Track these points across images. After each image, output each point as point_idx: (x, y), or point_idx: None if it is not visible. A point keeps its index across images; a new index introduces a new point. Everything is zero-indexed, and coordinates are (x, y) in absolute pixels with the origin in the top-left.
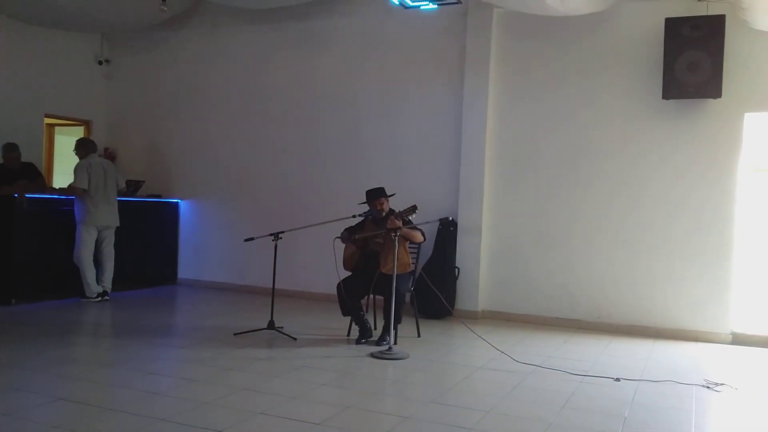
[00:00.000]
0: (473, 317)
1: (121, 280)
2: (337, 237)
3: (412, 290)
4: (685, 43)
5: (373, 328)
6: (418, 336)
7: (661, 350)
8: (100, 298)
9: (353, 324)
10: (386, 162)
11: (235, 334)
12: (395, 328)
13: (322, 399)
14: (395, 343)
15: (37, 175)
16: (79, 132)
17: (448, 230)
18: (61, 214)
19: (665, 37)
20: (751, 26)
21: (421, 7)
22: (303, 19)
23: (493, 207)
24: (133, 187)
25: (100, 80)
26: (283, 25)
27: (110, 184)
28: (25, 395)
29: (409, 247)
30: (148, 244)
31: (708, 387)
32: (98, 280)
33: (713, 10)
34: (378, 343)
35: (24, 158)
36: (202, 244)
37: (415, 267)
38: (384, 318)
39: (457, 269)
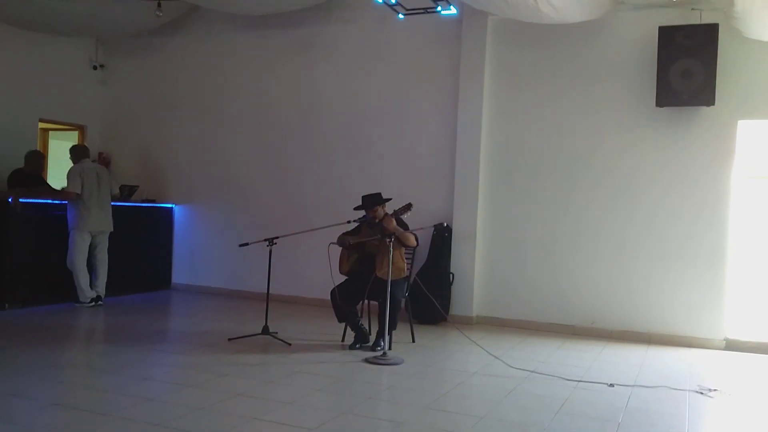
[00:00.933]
0: (468, 323)
1: (115, 285)
2: (332, 242)
3: (407, 296)
4: (678, 51)
5: (368, 333)
6: (413, 341)
7: (655, 356)
8: (93, 303)
9: (348, 329)
10: (381, 167)
11: (229, 340)
12: (390, 334)
13: (316, 404)
14: (390, 348)
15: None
16: (73, 137)
17: (442, 236)
18: (55, 219)
19: (659, 45)
20: (744, 35)
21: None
22: (298, 25)
23: (487, 213)
24: (127, 191)
25: (95, 85)
26: (278, 32)
27: (104, 189)
28: (19, 400)
29: (405, 253)
30: (143, 249)
31: (701, 393)
32: (92, 285)
33: (706, 19)
34: (373, 348)
35: (19, 163)
36: (197, 249)
37: (410, 272)
38: (379, 323)
39: (451, 275)
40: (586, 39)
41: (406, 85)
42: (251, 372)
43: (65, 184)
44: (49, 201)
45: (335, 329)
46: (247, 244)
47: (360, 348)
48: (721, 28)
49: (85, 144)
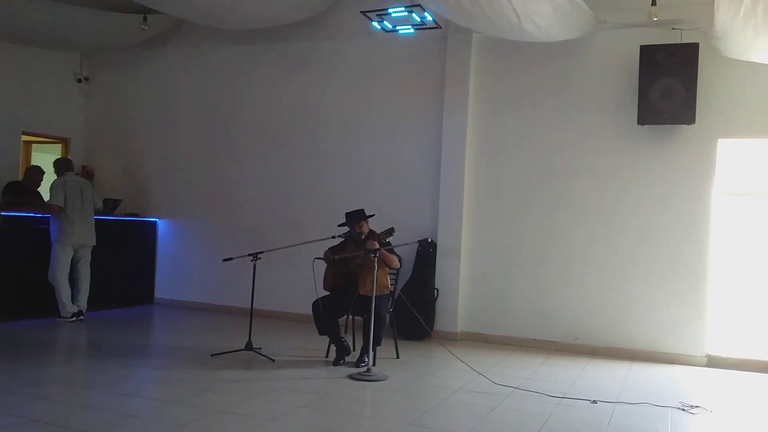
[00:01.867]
0: (452, 338)
1: (97, 300)
2: (318, 257)
3: (391, 311)
4: (659, 70)
5: (351, 347)
6: (397, 357)
7: (637, 372)
8: (75, 318)
9: (331, 344)
10: (366, 183)
11: (212, 355)
12: (374, 350)
13: (299, 421)
14: (374, 364)
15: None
16: (56, 149)
17: (427, 251)
18: (36, 233)
19: (640, 64)
20: (724, 54)
21: (400, 31)
22: (284, 40)
23: (472, 228)
24: (110, 205)
25: (79, 98)
26: (264, 47)
27: (87, 203)
28: None
29: (389, 270)
30: (126, 263)
31: (683, 409)
32: (73, 300)
33: (687, 39)
34: (356, 364)
35: (2, 175)
36: (181, 264)
37: (394, 288)
38: (363, 339)
39: (436, 290)
40: (568, 57)
41: (392, 100)
42: (234, 388)
43: (48, 197)
44: (32, 215)
45: (319, 345)
46: (231, 259)
47: (344, 364)
48: (701, 48)
49: (69, 157)
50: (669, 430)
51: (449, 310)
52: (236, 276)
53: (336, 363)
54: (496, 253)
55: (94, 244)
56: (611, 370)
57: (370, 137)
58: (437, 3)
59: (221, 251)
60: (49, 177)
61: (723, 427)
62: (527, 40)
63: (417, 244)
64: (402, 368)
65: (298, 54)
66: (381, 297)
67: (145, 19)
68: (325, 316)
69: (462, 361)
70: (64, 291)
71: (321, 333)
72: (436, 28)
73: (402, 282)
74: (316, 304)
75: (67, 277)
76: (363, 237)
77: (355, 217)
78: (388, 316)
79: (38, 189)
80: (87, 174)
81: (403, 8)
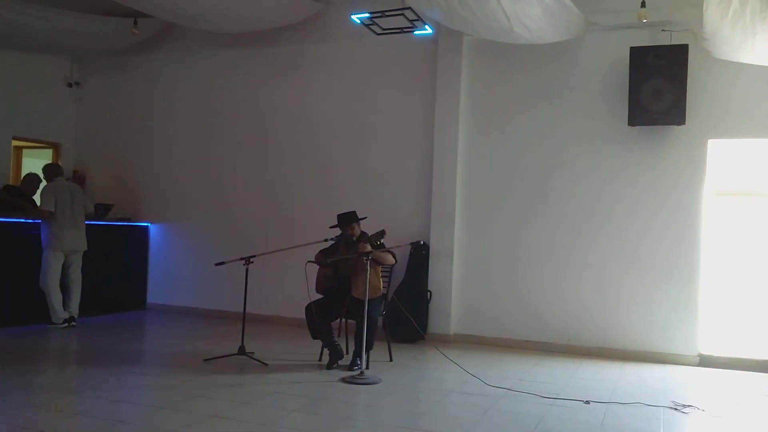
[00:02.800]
0: (445, 341)
1: (89, 305)
2: (310, 261)
3: (384, 314)
4: (649, 71)
5: (344, 351)
6: (390, 360)
7: (630, 372)
8: (66, 324)
9: (324, 348)
10: (358, 186)
11: (204, 360)
12: (367, 353)
13: (293, 425)
14: (367, 367)
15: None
16: (47, 154)
17: (420, 254)
18: (26, 239)
19: (630, 65)
20: (714, 55)
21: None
22: (275, 44)
23: (464, 230)
24: (102, 210)
25: (70, 103)
26: (256, 50)
27: (77, 208)
28: None
29: (382, 271)
30: (117, 268)
31: (676, 409)
32: (65, 306)
33: (677, 40)
34: (350, 367)
35: None
36: (173, 269)
37: (387, 291)
38: (355, 343)
39: (429, 293)
40: (559, 59)
41: (383, 104)
42: (227, 393)
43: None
44: (24, 220)
45: (312, 349)
46: (223, 263)
47: (337, 367)
48: (690, 49)
49: (60, 162)
50: (662, 430)
51: (442, 312)
52: (229, 280)
53: (329, 367)
54: (489, 255)
55: (85, 249)
56: (604, 371)
57: (361, 140)
58: (428, 6)
59: (213, 255)
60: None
61: (715, 426)
62: (518, 42)
63: (410, 247)
64: (395, 371)
65: (289, 58)
66: (374, 300)
67: (135, 23)
68: (318, 320)
69: (455, 363)
70: (55, 297)
71: (314, 337)
72: (427, 31)
73: (395, 284)
74: (309, 308)
75: (59, 283)
76: (355, 239)
77: (347, 219)
78: (381, 318)
79: (33, 197)
80: (78, 179)
81: (393, 11)
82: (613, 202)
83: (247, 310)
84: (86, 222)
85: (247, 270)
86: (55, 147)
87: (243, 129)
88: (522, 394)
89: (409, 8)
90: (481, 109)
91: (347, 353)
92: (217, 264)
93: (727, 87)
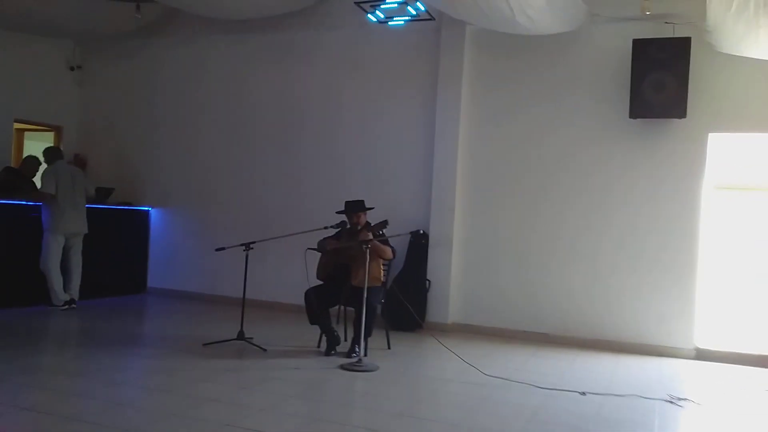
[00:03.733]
0: (443, 330)
1: (90, 289)
2: (310, 248)
3: (383, 302)
4: (651, 64)
5: (342, 338)
6: (388, 348)
7: (626, 365)
8: (67, 306)
9: (322, 334)
10: (360, 174)
11: (204, 345)
12: (366, 341)
13: (290, 411)
14: (365, 355)
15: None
16: (49, 137)
17: (419, 243)
18: (27, 221)
19: (633, 57)
20: (716, 49)
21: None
22: (279, 30)
23: (464, 220)
24: (103, 194)
25: (72, 86)
26: (259, 36)
27: (78, 191)
28: None
29: (382, 262)
30: (118, 252)
31: (671, 402)
32: (65, 288)
33: (679, 33)
34: (348, 355)
35: None
36: (173, 253)
37: (386, 279)
38: (354, 330)
39: (428, 282)
40: (561, 50)
41: (385, 92)
42: (225, 377)
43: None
44: (24, 203)
45: (311, 335)
46: (223, 249)
47: (335, 354)
48: (693, 42)
49: (61, 145)
50: (657, 422)
51: (441, 302)
52: (229, 265)
53: (327, 353)
54: (489, 244)
55: (86, 232)
56: (600, 362)
57: (362, 128)
58: None
59: (214, 241)
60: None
61: (711, 419)
62: (520, 32)
63: (409, 236)
64: (393, 359)
65: (291, 44)
66: (373, 288)
67: (138, 7)
68: (317, 306)
69: (453, 352)
70: (55, 279)
71: (312, 322)
72: (430, 19)
73: (394, 273)
74: (308, 294)
75: (59, 266)
76: (359, 228)
77: (355, 207)
78: (379, 307)
79: (33, 179)
80: (80, 162)
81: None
82: (612, 193)
83: (246, 296)
84: (87, 205)
85: (247, 256)
86: (57, 130)
87: (243, 115)
88: (519, 384)
89: None
90: (482, 99)
91: (345, 340)
92: (217, 249)
93: (728, 81)
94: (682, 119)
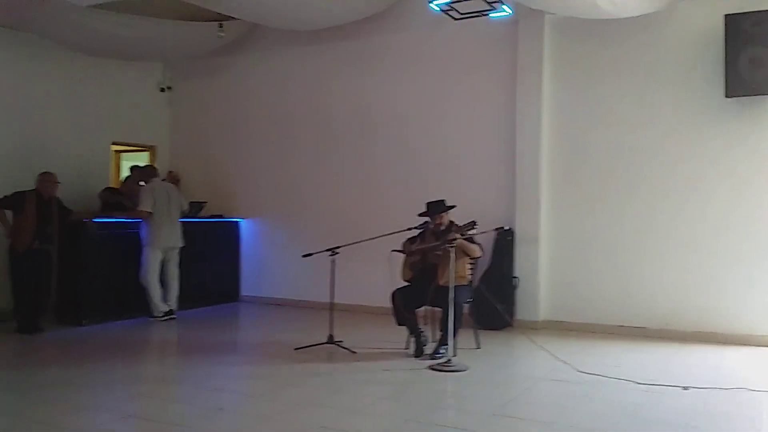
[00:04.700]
0: (534, 327)
1: (185, 299)
2: (394, 250)
3: (470, 301)
4: (746, 39)
5: (430, 339)
6: (478, 347)
7: (732, 357)
8: (166, 318)
9: (410, 335)
10: (441, 173)
11: (295, 349)
12: (454, 340)
13: (382, 412)
14: (455, 355)
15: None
16: (144, 157)
17: (505, 240)
18: (126, 237)
19: (725, 34)
20: None
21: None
22: (354, 37)
23: (550, 214)
24: (195, 208)
25: (163, 107)
26: (335, 45)
27: (173, 206)
28: (96, 413)
29: (468, 261)
30: (211, 262)
31: None
32: (164, 300)
33: None
34: (432, 355)
35: (95, 185)
36: (263, 262)
37: (473, 278)
38: (440, 330)
39: (515, 279)
40: (647, 32)
41: (464, 89)
42: (317, 381)
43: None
44: (123, 220)
45: (399, 337)
46: (310, 255)
47: (424, 355)
48: None
49: (156, 164)
50: None
51: (530, 299)
52: (316, 272)
53: (416, 354)
54: (577, 238)
55: (182, 245)
56: (703, 356)
57: (443, 128)
58: None
59: (301, 248)
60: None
61: None
62: (602, 17)
63: (494, 233)
64: (483, 358)
65: (366, 50)
66: (459, 287)
67: (221, 26)
68: (403, 307)
69: (545, 350)
70: (155, 292)
71: (399, 324)
72: (507, 12)
73: (480, 271)
74: (395, 295)
75: (158, 279)
76: (443, 228)
77: (436, 209)
78: (466, 306)
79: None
80: (173, 179)
81: None
82: (711, 178)
83: (334, 300)
84: (181, 219)
85: (333, 261)
86: (151, 149)
87: (324, 123)
88: (616, 380)
89: None
90: (565, 90)
91: (433, 341)
92: (304, 256)
93: None
94: None
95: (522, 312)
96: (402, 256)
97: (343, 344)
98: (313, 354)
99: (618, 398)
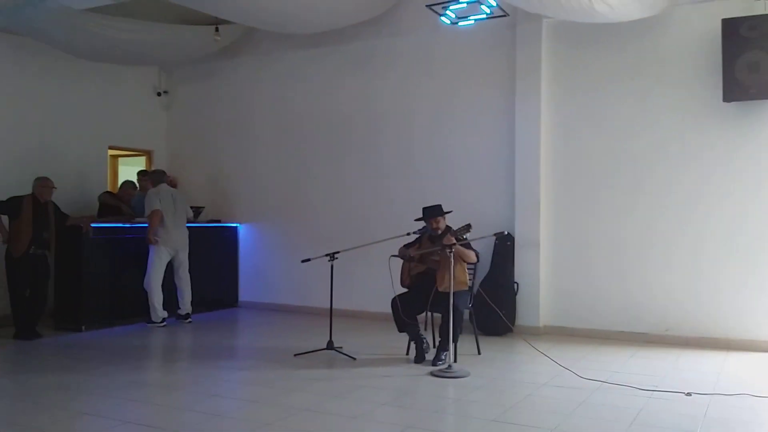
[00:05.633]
0: (535, 333)
1: None
2: (393, 255)
3: (470, 307)
4: (744, 43)
5: (431, 346)
6: (479, 353)
7: (734, 363)
8: (164, 324)
9: (411, 341)
10: (440, 178)
11: (295, 355)
12: (454, 346)
13: (383, 418)
14: (455, 360)
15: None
16: (141, 161)
17: (504, 245)
18: (125, 243)
19: (723, 38)
20: None
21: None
22: (352, 40)
23: (550, 219)
24: (193, 213)
25: (160, 111)
26: (333, 48)
27: (179, 211)
28: (94, 419)
29: (467, 266)
30: (210, 268)
31: None
32: (178, 304)
33: None
34: (434, 362)
35: (92, 190)
36: (262, 267)
37: (473, 283)
38: (440, 336)
39: (516, 284)
40: (644, 36)
41: (462, 93)
42: (317, 387)
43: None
44: (121, 225)
45: (399, 343)
46: (309, 260)
47: (425, 361)
48: None
49: (152, 167)
50: None
51: (531, 304)
52: (315, 277)
53: (417, 360)
54: (577, 243)
55: (188, 250)
56: (706, 361)
57: (441, 132)
58: None
59: (300, 253)
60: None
61: None
62: (600, 21)
63: (494, 238)
64: (484, 364)
65: (365, 54)
66: (459, 293)
67: (217, 29)
68: (404, 313)
69: (546, 356)
70: (156, 297)
71: (400, 330)
72: (504, 16)
73: (480, 276)
74: (394, 302)
75: (161, 284)
76: (440, 233)
77: (432, 213)
78: (466, 311)
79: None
80: (171, 184)
81: None
82: (710, 184)
83: (334, 306)
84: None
85: (332, 266)
86: (148, 154)
87: (322, 127)
88: (618, 386)
89: None
90: (563, 94)
91: (434, 347)
92: (303, 261)
93: None
94: None
95: (522, 317)
96: (401, 262)
97: (343, 350)
98: (313, 360)
99: (620, 404)
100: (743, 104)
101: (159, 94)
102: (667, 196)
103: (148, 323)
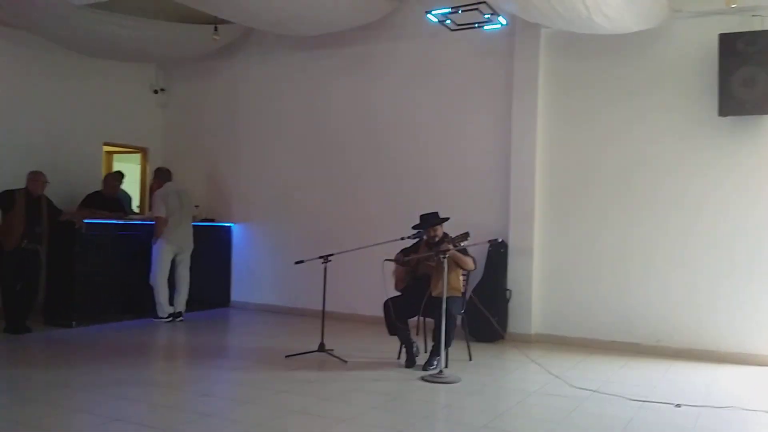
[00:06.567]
0: (526, 341)
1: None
2: (387, 259)
3: (462, 313)
4: (740, 58)
5: (423, 351)
6: (470, 359)
7: (724, 375)
8: (171, 319)
9: (402, 345)
10: (436, 184)
11: (286, 357)
12: (446, 351)
13: (372, 422)
14: (446, 366)
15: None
16: (136, 159)
17: (498, 252)
18: (119, 239)
19: (719, 53)
20: None
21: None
22: (351, 44)
23: (545, 227)
24: None
25: (156, 108)
26: (331, 51)
27: (186, 209)
28: (83, 416)
29: (461, 273)
30: (203, 267)
31: None
32: (172, 302)
33: None
34: (425, 366)
35: (85, 185)
36: (255, 268)
37: (466, 290)
38: (433, 341)
39: (508, 292)
40: (642, 49)
41: (459, 100)
42: (308, 389)
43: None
44: (114, 222)
45: (391, 346)
46: (302, 262)
47: (415, 366)
48: None
49: (148, 166)
50: None
51: (523, 312)
52: (308, 279)
53: (408, 365)
54: (571, 252)
55: (192, 248)
56: (696, 373)
57: (437, 137)
58: None
59: (294, 255)
60: (130, 185)
61: None
62: (598, 33)
63: (488, 245)
64: (475, 370)
65: (363, 57)
66: (452, 299)
67: (216, 29)
68: (396, 317)
69: (537, 364)
70: (162, 293)
71: (391, 333)
72: (503, 24)
73: (473, 283)
74: (387, 304)
75: (167, 280)
76: (437, 240)
77: (430, 221)
78: (459, 317)
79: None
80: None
81: (468, 6)
82: (704, 196)
83: (326, 308)
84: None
85: (325, 268)
86: (143, 151)
87: (320, 129)
88: (608, 396)
89: (484, 2)
90: (560, 103)
91: (425, 351)
92: (296, 262)
93: None
94: None
95: (514, 325)
96: (395, 265)
97: (335, 353)
98: (304, 362)
99: (609, 414)
100: (739, 119)
101: (156, 92)
102: (661, 208)
103: (155, 318)
